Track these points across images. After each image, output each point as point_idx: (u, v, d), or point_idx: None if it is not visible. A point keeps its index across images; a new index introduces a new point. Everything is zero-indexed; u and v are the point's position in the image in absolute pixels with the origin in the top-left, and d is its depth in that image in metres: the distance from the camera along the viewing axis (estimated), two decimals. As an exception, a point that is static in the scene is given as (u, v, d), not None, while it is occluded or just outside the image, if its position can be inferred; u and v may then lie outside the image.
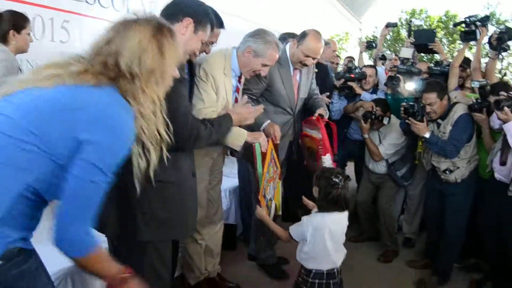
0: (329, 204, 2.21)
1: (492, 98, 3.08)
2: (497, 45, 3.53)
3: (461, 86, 3.89)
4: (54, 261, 2.11)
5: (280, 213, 2.82)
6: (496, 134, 3.19)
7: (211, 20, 1.96)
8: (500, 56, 3.63)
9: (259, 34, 2.43)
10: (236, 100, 2.60)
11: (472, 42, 3.94)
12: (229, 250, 3.45)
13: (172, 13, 1.85)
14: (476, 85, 3.29)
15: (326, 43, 4.01)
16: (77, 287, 2.16)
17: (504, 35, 3.48)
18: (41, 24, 3.36)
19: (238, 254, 3.58)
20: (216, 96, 2.39)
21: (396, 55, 5.28)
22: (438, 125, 3.34)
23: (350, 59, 5.26)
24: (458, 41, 14.63)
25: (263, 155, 2.45)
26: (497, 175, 3.01)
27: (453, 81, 3.84)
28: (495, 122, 3.08)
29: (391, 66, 4.73)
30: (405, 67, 4.11)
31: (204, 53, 2.43)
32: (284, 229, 2.39)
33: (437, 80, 3.57)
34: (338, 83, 4.39)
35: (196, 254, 2.77)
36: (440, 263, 3.47)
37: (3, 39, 2.64)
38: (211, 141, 2.01)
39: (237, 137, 2.35)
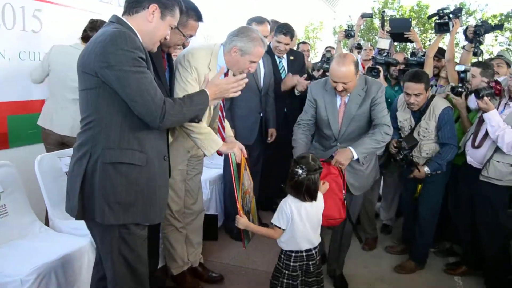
0: (292, 190, 2.27)
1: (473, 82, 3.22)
2: (473, 38, 3.63)
3: (436, 76, 3.97)
4: (38, 256, 2.14)
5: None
6: (474, 116, 3.28)
7: (179, 3, 1.92)
8: (477, 50, 3.74)
9: (244, 32, 2.40)
10: (219, 119, 2.64)
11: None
12: (211, 241, 3.45)
13: (136, 1, 1.82)
14: (460, 68, 3.38)
15: (293, 34, 4.04)
16: (61, 281, 2.13)
17: (480, 29, 3.57)
18: (11, 12, 3.26)
19: (220, 244, 3.58)
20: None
21: (371, 45, 5.35)
22: (417, 120, 3.29)
23: (329, 49, 5.28)
24: (430, 31, 14.96)
25: (238, 166, 2.46)
26: (469, 159, 3.09)
27: (428, 72, 3.91)
28: (471, 101, 3.15)
29: (365, 57, 4.80)
30: (383, 58, 4.17)
31: (183, 47, 2.42)
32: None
33: (422, 70, 3.53)
34: (316, 73, 4.42)
35: (177, 242, 2.78)
36: (416, 248, 3.53)
37: None
38: (184, 118, 1.93)
39: (211, 144, 2.40)
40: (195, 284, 2.83)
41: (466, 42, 3.81)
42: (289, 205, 2.26)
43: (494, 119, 2.87)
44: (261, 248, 3.45)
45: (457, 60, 4.01)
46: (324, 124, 2.88)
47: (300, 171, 2.23)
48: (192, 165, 2.79)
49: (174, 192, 2.65)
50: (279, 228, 2.28)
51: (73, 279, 2.20)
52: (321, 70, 4.33)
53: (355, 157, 2.68)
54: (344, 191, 2.65)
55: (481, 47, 3.73)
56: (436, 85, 3.84)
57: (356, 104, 2.80)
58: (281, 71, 4.13)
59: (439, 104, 3.22)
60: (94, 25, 3.11)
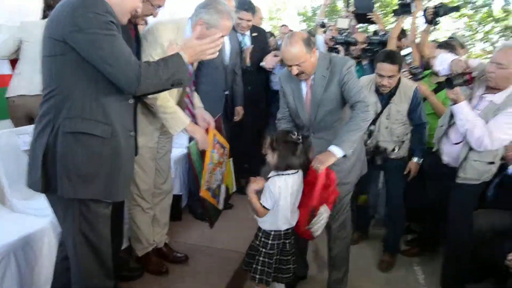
0: (290, 164, 2.25)
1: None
2: (433, 18, 3.73)
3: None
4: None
5: (234, 190, 2.87)
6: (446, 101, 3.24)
7: None
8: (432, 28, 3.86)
9: (211, 4, 2.32)
10: (189, 74, 2.56)
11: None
12: (175, 221, 3.44)
13: None
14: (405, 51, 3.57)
15: (255, 10, 4.01)
16: (21, 263, 2.07)
17: (439, 10, 3.67)
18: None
19: (184, 224, 3.56)
20: None
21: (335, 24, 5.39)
22: (385, 103, 3.17)
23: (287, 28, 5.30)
24: (391, 14, 15.23)
25: (202, 153, 2.46)
26: (446, 159, 2.92)
27: (391, 52, 3.99)
28: (436, 65, 3.00)
29: (330, 37, 4.83)
30: (343, 37, 4.22)
31: (152, 17, 2.35)
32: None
33: (395, 51, 3.45)
34: (279, 53, 4.41)
35: (144, 223, 2.75)
36: (390, 238, 3.50)
37: None
38: (161, 81, 1.81)
39: (177, 123, 2.40)
40: (160, 264, 2.80)
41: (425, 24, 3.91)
42: (277, 185, 2.24)
43: (463, 112, 2.65)
44: (226, 227, 3.46)
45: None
46: (294, 114, 2.68)
47: (293, 136, 2.25)
48: (162, 143, 2.75)
49: (143, 171, 2.61)
50: (266, 208, 2.27)
51: (34, 261, 2.14)
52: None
53: (340, 155, 2.36)
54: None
55: (439, 32, 3.86)
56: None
57: (321, 87, 2.52)
58: (243, 48, 4.09)
59: (409, 85, 3.16)
60: None
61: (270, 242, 2.32)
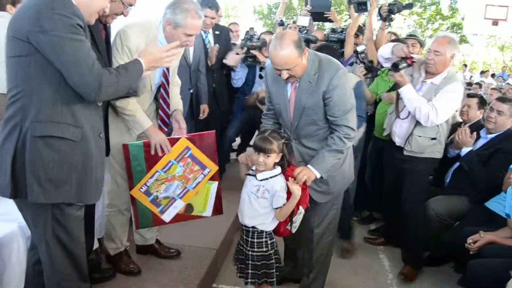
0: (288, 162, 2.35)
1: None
2: (387, 16, 3.88)
3: (356, 51, 4.16)
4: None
5: (204, 213, 2.66)
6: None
7: None
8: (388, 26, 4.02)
9: (176, 3, 2.29)
10: (164, 74, 2.52)
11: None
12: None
13: None
14: (360, 48, 3.78)
15: (218, 8, 4.04)
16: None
17: (394, 7, 3.83)
18: None
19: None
20: None
21: (294, 22, 5.48)
22: None
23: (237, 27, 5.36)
24: (346, 12, 15.59)
25: (152, 156, 2.43)
26: (397, 140, 3.22)
27: (348, 49, 4.14)
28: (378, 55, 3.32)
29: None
30: (303, 35, 4.30)
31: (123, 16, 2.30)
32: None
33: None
34: (240, 51, 4.44)
35: (119, 225, 2.71)
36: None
37: None
38: (119, 89, 1.81)
39: (135, 125, 2.41)
40: (131, 264, 2.74)
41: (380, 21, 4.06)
42: (283, 184, 2.29)
43: (410, 92, 3.01)
44: (196, 225, 3.45)
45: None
46: (278, 114, 2.54)
47: (285, 136, 2.34)
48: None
49: (117, 173, 2.57)
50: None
51: (2, 267, 2.06)
52: (245, 48, 4.31)
53: (318, 176, 2.33)
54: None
55: (391, 28, 4.00)
56: (356, 62, 4.04)
57: (306, 94, 2.33)
58: (207, 46, 4.10)
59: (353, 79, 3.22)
60: None
61: (274, 241, 2.39)
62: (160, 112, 2.62)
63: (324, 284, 2.82)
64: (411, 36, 4.20)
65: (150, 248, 2.91)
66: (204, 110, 3.92)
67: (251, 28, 4.96)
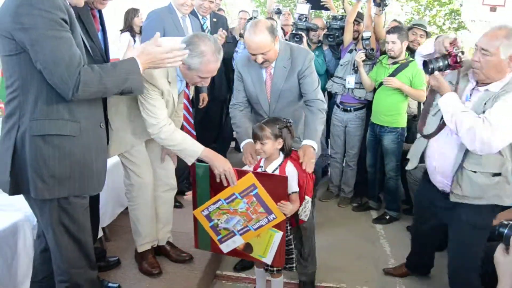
0: (292, 147, 2.35)
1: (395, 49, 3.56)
2: (381, 1, 3.86)
3: (356, 39, 4.17)
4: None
5: (264, 259, 2.37)
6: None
7: None
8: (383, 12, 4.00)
9: (192, 44, 2.14)
10: (185, 107, 2.49)
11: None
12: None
13: None
14: (367, 34, 3.73)
15: None
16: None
17: None
18: None
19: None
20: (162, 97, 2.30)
21: (289, 10, 5.45)
22: None
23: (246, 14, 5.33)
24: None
25: (215, 182, 2.26)
26: (439, 180, 2.32)
27: (347, 36, 4.14)
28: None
29: (285, 22, 4.88)
30: (303, 23, 4.29)
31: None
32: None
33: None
34: (243, 40, 4.43)
35: (143, 219, 2.60)
36: None
37: None
38: (105, 88, 1.71)
39: (187, 156, 2.29)
40: (153, 265, 2.65)
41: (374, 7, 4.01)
42: (291, 169, 2.29)
43: (450, 102, 2.14)
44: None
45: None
46: (253, 101, 2.65)
47: (285, 120, 2.31)
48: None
49: (134, 164, 2.49)
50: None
51: (10, 256, 2.07)
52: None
53: (315, 147, 2.43)
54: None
55: (388, 15, 3.98)
56: (355, 49, 4.05)
57: (282, 78, 2.54)
58: (206, 32, 4.06)
59: None
60: None
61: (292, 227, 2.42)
62: (184, 123, 2.61)
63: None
64: (417, 25, 4.09)
65: (162, 250, 2.81)
66: (204, 98, 3.91)
67: (255, 11, 4.94)
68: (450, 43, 2.20)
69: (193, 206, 2.42)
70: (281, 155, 2.34)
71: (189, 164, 2.32)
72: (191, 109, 2.59)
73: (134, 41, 5.26)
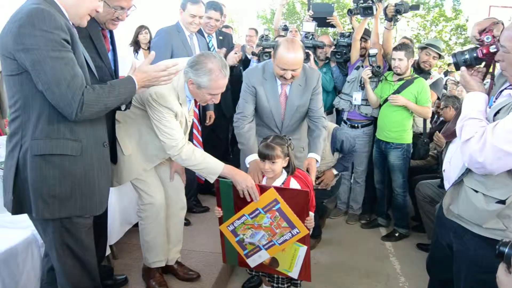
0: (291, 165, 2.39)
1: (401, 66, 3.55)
2: (393, 16, 3.89)
3: (363, 56, 4.18)
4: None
5: (290, 273, 2.41)
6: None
7: None
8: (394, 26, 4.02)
9: (199, 64, 2.18)
10: (194, 126, 2.52)
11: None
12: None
13: None
14: (373, 51, 3.72)
15: (223, 11, 4.07)
16: (4, 278, 2.01)
17: (401, 7, 3.84)
18: None
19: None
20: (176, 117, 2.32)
21: (296, 26, 5.50)
22: None
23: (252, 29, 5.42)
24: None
25: (238, 197, 2.29)
26: (446, 177, 1.93)
27: (354, 53, 4.15)
28: None
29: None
30: (310, 41, 4.31)
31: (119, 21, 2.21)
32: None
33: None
34: (257, 50, 4.46)
35: (153, 236, 2.58)
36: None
37: None
38: (106, 107, 1.74)
39: (209, 173, 2.30)
40: (160, 282, 2.62)
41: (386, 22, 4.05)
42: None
43: (467, 106, 1.74)
44: (204, 230, 3.50)
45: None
46: (265, 114, 2.73)
47: (289, 140, 2.36)
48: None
49: (146, 186, 2.48)
50: None
51: (18, 273, 2.08)
52: (261, 47, 4.34)
53: (319, 160, 2.67)
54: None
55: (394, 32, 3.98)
56: (363, 66, 4.06)
57: (298, 95, 2.70)
58: (211, 50, 4.10)
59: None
60: None
61: None
62: (194, 141, 2.64)
63: None
64: (430, 45, 4.02)
65: (170, 268, 2.79)
66: (210, 116, 3.92)
67: (266, 29, 4.98)
68: (480, 32, 1.78)
69: (219, 222, 2.45)
70: (284, 173, 2.37)
71: (211, 182, 2.34)
72: (199, 127, 2.60)
73: (137, 52, 5.67)
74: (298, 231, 2.25)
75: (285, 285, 2.51)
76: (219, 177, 2.32)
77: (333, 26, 4.86)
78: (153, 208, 2.49)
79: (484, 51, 1.76)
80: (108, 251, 2.73)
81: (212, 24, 3.94)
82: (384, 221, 4.15)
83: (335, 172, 3.27)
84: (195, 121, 2.59)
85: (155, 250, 2.59)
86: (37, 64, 1.55)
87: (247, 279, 3.00)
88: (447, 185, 1.91)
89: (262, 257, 2.40)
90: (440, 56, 4.02)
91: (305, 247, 2.29)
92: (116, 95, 1.75)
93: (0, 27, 1.64)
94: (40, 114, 1.66)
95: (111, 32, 2.33)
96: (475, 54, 1.79)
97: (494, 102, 1.74)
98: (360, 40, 4.11)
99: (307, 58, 4.12)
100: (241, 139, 2.70)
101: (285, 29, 4.93)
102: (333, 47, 4.34)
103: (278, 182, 2.34)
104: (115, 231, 2.91)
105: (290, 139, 2.36)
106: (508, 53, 1.63)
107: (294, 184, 2.33)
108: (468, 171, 1.71)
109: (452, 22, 15.37)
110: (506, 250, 1.29)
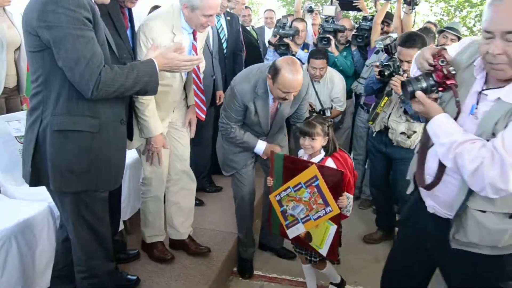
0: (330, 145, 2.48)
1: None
2: (412, 0, 3.80)
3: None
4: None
5: (320, 250, 2.46)
6: None
7: None
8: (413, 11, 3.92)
9: None
10: (194, 82, 2.57)
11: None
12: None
13: None
14: (380, 45, 3.34)
15: None
16: (21, 246, 2.08)
17: None
18: None
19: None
20: None
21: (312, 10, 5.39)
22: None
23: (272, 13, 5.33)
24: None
25: (288, 170, 2.42)
26: (430, 203, 1.66)
27: (374, 37, 4.06)
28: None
29: (313, 21, 4.84)
30: (331, 25, 4.25)
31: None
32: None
33: (417, 32, 3.17)
34: (273, 39, 4.43)
35: (154, 212, 2.70)
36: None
37: None
38: (125, 89, 1.74)
39: (145, 129, 2.39)
40: (164, 252, 2.74)
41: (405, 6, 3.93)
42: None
43: (442, 133, 1.49)
44: (216, 209, 3.55)
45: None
46: (253, 123, 2.75)
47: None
48: (176, 128, 2.71)
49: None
50: None
51: (34, 244, 2.15)
52: (278, 36, 4.28)
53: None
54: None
55: (417, 16, 3.87)
56: (382, 50, 3.98)
57: (288, 106, 2.74)
58: (219, 30, 4.03)
59: None
60: None
61: None
62: (196, 98, 2.68)
63: None
64: (449, 28, 3.93)
65: (182, 243, 2.87)
66: (220, 96, 3.89)
67: (284, 16, 4.91)
68: (434, 55, 1.57)
69: (268, 191, 2.60)
70: (322, 152, 2.46)
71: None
72: (200, 74, 2.65)
73: None
74: (331, 209, 2.32)
75: (317, 259, 2.60)
76: None
77: (359, 9, 4.78)
78: (154, 179, 2.61)
79: (441, 74, 1.54)
80: (121, 226, 2.80)
81: (224, 5, 3.90)
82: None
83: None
84: (194, 76, 2.62)
85: (152, 225, 2.70)
86: (58, 42, 1.58)
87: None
88: (429, 201, 1.67)
89: (299, 229, 2.50)
90: (459, 39, 3.91)
91: (335, 226, 2.36)
92: (134, 77, 1.75)
93: (24, 4, 1.66)
94: (60, 91, 1.69)
95: (129, 10, 2.34)
96: (431, 80, 1.55)
97: (477, 108, 1.47)
98: (383, 24, 4.03)
99: (327, 43, 4.08)
100: (237, 141, 2.75)
101: (310, 10, 4.85)
102: (355, 30, 4.27)
103: (315, 160, 2.42)
104: (128, 207, 2.99)
105: (331, 121, 2.45)
106: None
107: (330, 164, 2.41)
108: (470, 194, 1.47)
109: (478, 8, 14.90)
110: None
